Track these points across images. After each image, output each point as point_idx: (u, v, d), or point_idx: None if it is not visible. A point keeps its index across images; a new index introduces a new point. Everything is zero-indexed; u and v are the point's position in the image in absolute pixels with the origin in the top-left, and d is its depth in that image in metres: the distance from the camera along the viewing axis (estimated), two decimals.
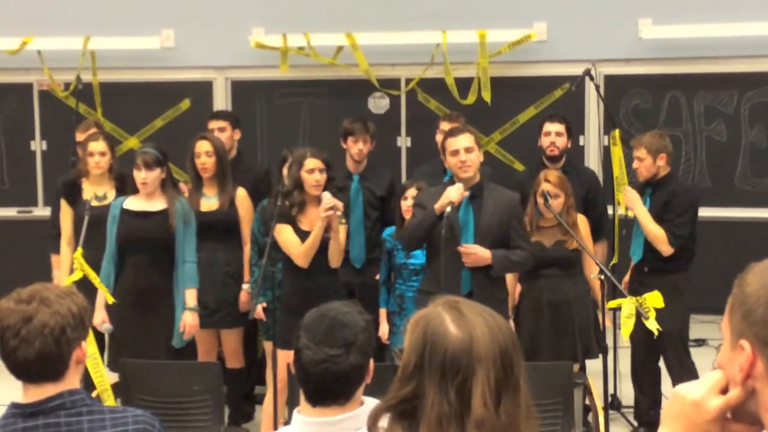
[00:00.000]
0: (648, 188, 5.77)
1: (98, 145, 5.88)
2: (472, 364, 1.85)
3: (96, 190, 5.84)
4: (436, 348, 1.87)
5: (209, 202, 5.80)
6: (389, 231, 5.83)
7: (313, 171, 5.29)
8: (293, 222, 5.31)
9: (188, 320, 5.37)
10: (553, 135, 6.16)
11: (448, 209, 4.88)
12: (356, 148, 6.29)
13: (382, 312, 5.75)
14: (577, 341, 5.51)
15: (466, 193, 4.99)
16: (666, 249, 5.65)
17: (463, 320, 1.90)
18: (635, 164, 5.76)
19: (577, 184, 5.96)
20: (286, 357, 5.36)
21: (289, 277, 5.34)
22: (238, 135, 6.69)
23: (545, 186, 5.54)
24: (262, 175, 6.52)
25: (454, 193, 4.92)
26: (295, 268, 5.29)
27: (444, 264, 4.94)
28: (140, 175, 5.33)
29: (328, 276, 5.33)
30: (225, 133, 6.43)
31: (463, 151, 5.05)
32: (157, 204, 5.39)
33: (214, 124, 6.56)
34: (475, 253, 4.98)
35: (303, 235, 5.24)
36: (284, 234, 5.30)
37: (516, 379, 1.89)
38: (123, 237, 5.35)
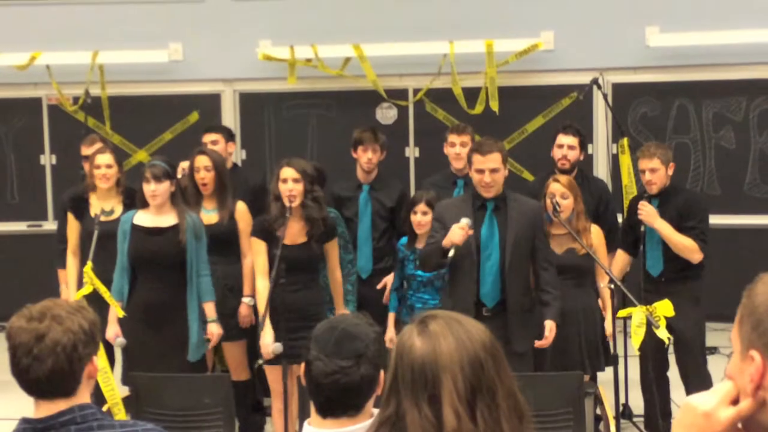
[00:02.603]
0: (654, 200, 5.70)
1: (105, 158, 5.88)
2: (438, 375, 1.89)
3: (103, 205, 5.80)
4: (404, 363, 1.93)
5: (208, 215, 5.79)
6: (403, 241, 5.78)
7: (286, 180, 5.22)
8: (270, 239, 5.24)
9: (214, 330, 5.42)
10: (566, 148, 6.07)
11: (451, 253, 4.82)
12: (365, 157, 6.28)
13: (391, 316, 5.73)
14: (583, 354, 5.47)
15: (471, 231, 4.90)
16: (698, 257, 5.62)
17: (427, 333, 1.95)
18: (648, 176, 5.64)
19: (588, 194, 5.92)
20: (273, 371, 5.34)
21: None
22: (232, 148, 6.72)
23: (554, 186, 5.52)
24: (258, 187, 6.51)
25: (458, 235, 4.82)
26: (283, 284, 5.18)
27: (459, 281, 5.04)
28: (149, 188, 5.31)
29: (309, 291, 5.30)
30: (218, 146, 6.43)
31: (489, 172, 5.00)
32: (168, 219, 5.38)
33: (207, 138, 6.58)
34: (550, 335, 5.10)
35: (284, 249, 5.12)
36: (254, 250, 5.35)
37: (490, 379, 1.91)
38: (135, 253, 5.34)
